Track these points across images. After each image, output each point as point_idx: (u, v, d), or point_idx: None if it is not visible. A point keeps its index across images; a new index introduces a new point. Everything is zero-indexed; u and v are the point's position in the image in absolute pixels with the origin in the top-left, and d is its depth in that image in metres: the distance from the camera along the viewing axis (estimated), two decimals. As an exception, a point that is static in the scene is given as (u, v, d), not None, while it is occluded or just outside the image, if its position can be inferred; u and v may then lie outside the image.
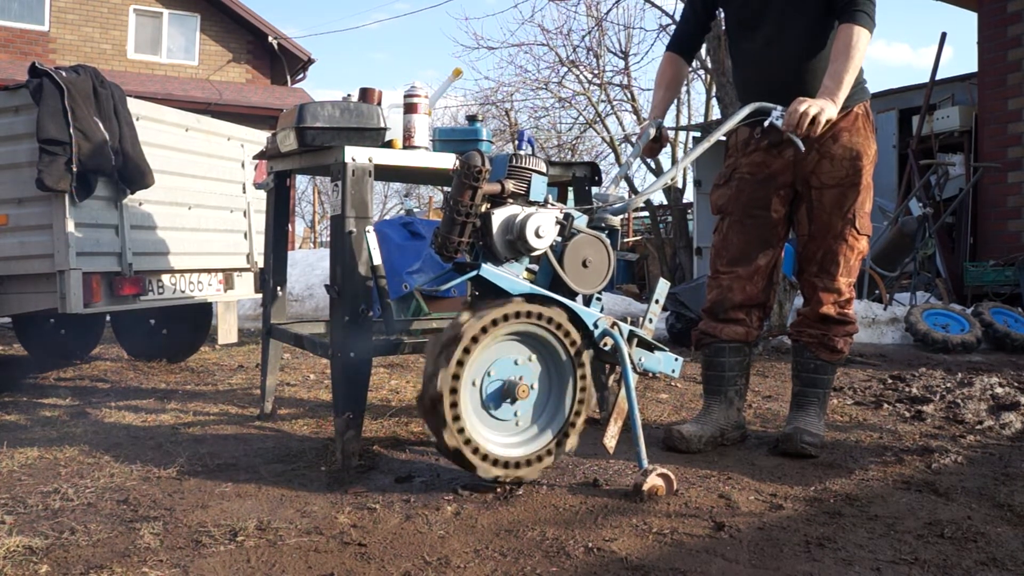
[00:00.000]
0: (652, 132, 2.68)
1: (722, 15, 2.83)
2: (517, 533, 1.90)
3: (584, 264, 2.25)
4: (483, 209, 2.17)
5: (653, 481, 2.14)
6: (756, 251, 2.70)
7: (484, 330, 2.08)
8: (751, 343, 2.76)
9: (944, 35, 8.04)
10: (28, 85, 3.32)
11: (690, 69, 2.91)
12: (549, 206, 2.26)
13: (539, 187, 2.25)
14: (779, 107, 2.40)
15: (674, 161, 9.86)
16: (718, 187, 2.80)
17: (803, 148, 2.40)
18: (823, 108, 2.34)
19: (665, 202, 10.42)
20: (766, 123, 2.43)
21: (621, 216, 2.42)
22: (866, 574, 1.69)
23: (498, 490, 2.20)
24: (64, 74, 3.34)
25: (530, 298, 2.18)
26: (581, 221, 2.29)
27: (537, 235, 2.16)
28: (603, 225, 2.36)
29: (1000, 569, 1.72)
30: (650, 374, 2.46)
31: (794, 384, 2.76)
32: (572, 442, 2.26)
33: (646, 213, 11.06)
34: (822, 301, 2.64)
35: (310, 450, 2.67)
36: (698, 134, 9.99)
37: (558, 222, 2.22)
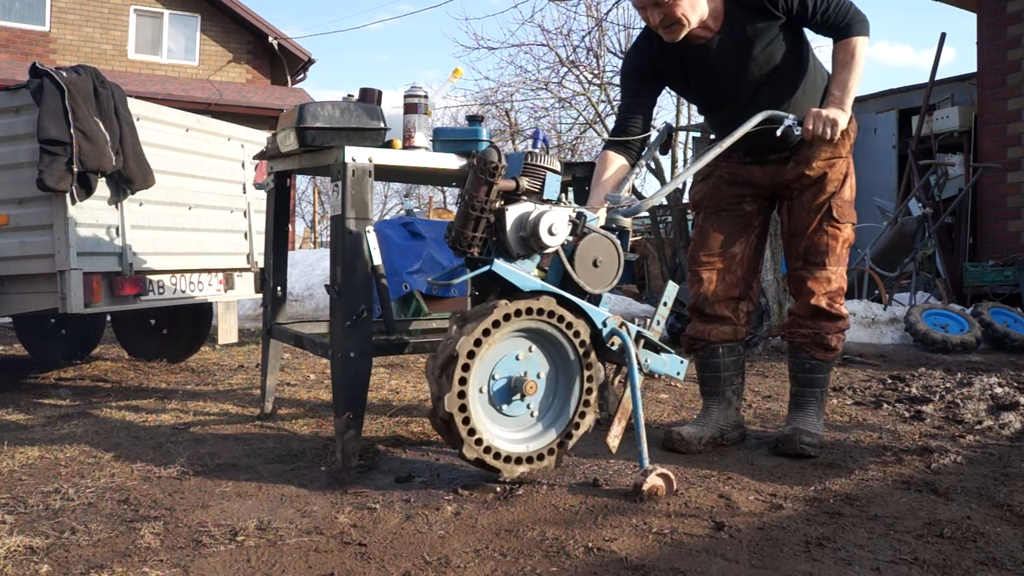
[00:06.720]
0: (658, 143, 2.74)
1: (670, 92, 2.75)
2: (517, 533, 1.91)
3: (595, 264, 2.26)
4: (497, 205, 2.18)
5: (653, 481, 2.14)
6: (732, 240, 2.73)
7: (478, 343, 2.10)
8: (741, 340, 2.76)
9: (944, 35, 8.04)
10: (29, 85, 3.32)
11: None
12: (563, 204, 2.27)
13: (553, 185, 2.27)
14: (791, 115, 2.41)
15: (674, 162, 9.88)
16: (696, 183, 2.84)
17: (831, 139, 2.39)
18: (837, 118, 2.35)
19: (664, 202, 10.42)
20: (779, 131, 2.40)
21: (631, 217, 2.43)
22: (866, 574, 1.69)
23: (498, 490, 2.20)
24: (65, 74, 3.34)
25: (540, 295, 2.19)
26: (593, 221, 2.30)
27: (550, 232, 2.17)
28: (614, 226, 2.37)
29: (1000, 569, 1.72)
30: (655, 375, 2.47)
31: (791, 385, 2.76)
32: (580, 431, 2.29)
33: (646, 213, 11.06)
34: (813, 291, 2.62)
35: (310, 450, 2.68)
36: (697, 134, 9.99)
37: (571, 221, 2.24)
